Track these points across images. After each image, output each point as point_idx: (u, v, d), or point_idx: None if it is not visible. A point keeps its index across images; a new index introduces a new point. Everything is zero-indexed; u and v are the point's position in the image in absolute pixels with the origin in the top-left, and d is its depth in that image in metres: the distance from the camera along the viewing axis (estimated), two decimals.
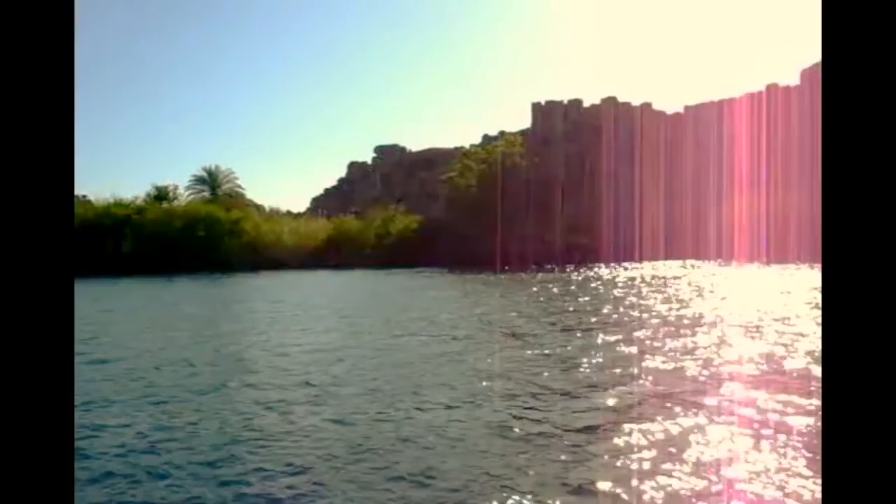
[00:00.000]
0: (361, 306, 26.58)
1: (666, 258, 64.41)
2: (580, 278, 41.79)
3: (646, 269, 52.47)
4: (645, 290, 31.96)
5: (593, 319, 19.80)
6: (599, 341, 15.39)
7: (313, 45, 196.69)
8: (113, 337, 17.69)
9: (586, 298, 27.42)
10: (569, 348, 14.61)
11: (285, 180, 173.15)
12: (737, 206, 64.95)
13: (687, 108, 78.31)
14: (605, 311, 22.25)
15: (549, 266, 55.18)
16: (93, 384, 11.49)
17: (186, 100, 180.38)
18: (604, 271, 49.29)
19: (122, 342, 16.67)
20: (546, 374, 11.79)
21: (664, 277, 41.58)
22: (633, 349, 14.18)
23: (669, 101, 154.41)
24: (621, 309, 22.68)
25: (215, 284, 44.57)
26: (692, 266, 55.85)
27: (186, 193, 76.16)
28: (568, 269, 51.74)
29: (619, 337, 16.02)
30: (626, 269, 53.16)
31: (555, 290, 32.81)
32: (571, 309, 23.16)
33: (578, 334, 16.76)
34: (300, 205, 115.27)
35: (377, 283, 42.93)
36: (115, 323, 21.56)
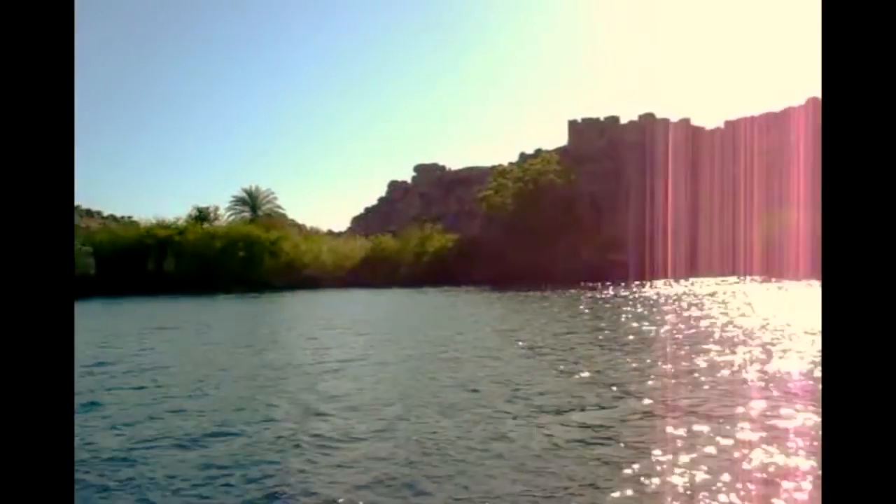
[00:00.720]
0: (399, 326, 26.76)
1: (704, 275, 63.61)
2: (619, 296, 41.52)
3: (685, 286, 51.96)
4: (705, 304, 31.73)
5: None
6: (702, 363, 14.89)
7: (356, 66, 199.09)
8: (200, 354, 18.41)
9: (639, 312, 27.29)
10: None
11: (327, 200, 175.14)
12: (777, 223, 63.96)
13: (727, 123, 77.69)
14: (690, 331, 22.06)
15: (584, 283, 54.83)
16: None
17: (230, 122, 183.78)
18: (649, 289, 48.98)
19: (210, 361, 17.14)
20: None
21: (706, 295, 41.14)
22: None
23: (710, 117, 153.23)
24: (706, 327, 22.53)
25: (254, 303, 45.22)
26: (735, 282, 55.18)
27: (227, 214, 77.65)
28: (605, 287, 51.42)
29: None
30: (670, 285, 52.72)
31: (587, 308, 32.70)
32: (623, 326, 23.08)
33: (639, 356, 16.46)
34: (342, 224, 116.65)
35: (415, 302, 43.18)
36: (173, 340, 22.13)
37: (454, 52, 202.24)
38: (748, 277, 60.15)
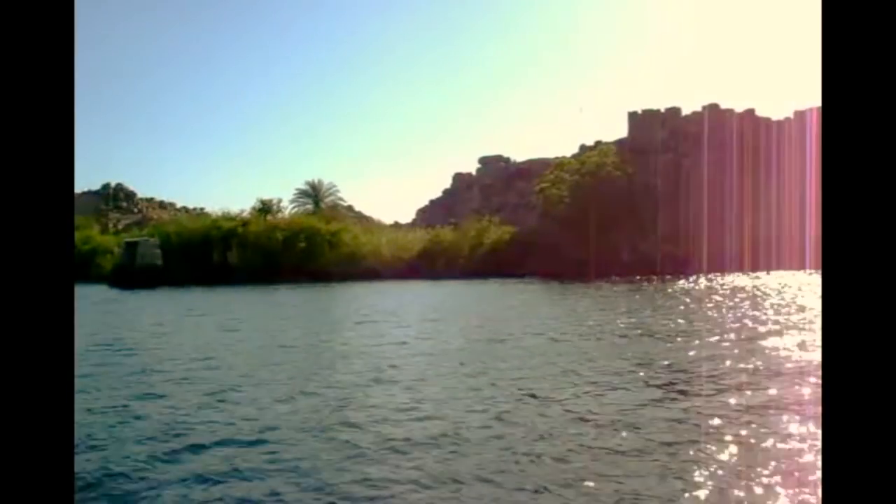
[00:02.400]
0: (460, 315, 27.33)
1: (766, 269, 62.24)
2: (677, 288, 41.21)
3: (745, 279, 51.08)
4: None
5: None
6: None
7: (427, 59, 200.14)
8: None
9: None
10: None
11: (396, 193, 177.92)
12: None
13: (797, 113, 75.58)
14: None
15: (639, 277, 54.38)
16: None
17: (310, 118, 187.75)
18: (719, 280, 48.41)
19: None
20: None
21: (770, 287, 40.50)
22: None
23: (779, 107, 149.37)
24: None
25: (311, 293, 46.40)
26: (809, 276, 54.02)
27: (291, 206, 79.37)
28: (663, 279, 50.95)
29: None
30: (733, 278, 51.94)
31: (647, 299, 32.65)
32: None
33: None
34: (408, 216, 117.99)
35: (474, 292, 43.70)
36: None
37: (519, 44, 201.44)
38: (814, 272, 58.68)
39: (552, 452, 8.12)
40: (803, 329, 19.31)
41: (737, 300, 31.33)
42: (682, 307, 28.05)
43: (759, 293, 35.94)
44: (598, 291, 39.87)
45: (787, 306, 27.39)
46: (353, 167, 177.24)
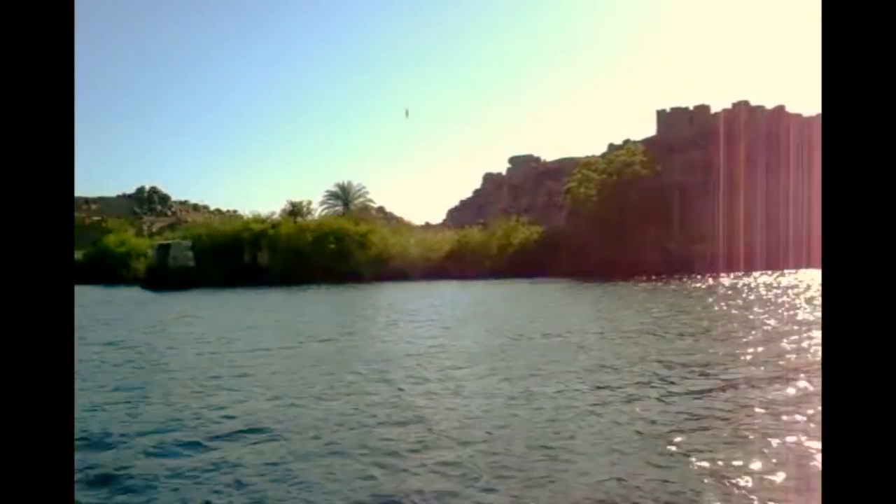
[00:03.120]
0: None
1: (794, 267, 61.74)
2: (706, 287, 41.11)
3: (776, 278, 50.75)
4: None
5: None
6: None
7: (462, 58, 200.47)
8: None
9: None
10: None
11: (427, 194, 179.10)
12: None
13: None
14: None
15: (665, 276, 54.20)
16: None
17: (341, 118, 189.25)
18: (745, 280, 48.18)
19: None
20: None
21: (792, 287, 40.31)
22: None
23: (811, 103, 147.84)
24: None
25: (337, 294, 47.02)
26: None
27: (321, 208, 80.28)
28: (691, 279, 50.75)
29: None
30: (766, 277, 51.61)
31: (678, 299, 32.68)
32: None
33: None
34: (439, 217, 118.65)
35: (501, 293, 44.03)
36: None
37: (554, 42, 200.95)
38: None
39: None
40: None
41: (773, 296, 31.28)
42: (713, 307, 28.03)
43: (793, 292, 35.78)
44: (623, 291, 39.90)
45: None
46: (385, 167, 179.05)
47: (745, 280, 48.96)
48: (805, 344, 16.68)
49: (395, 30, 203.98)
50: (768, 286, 40.69)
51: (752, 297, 32.79)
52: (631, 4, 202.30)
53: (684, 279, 50.77)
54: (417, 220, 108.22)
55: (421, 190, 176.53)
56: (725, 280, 49.03)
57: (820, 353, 14.92)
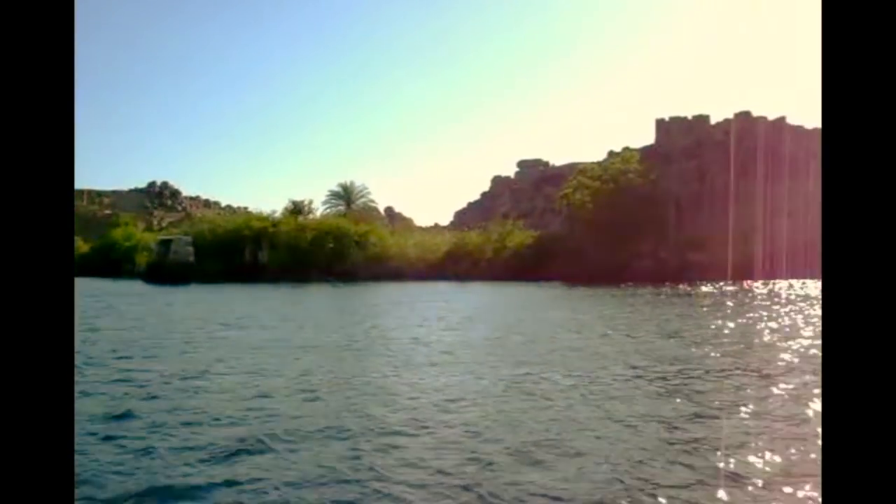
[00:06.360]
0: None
1: (791, 277, 62.36)
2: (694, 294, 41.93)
3: (762, 287, 51.37)
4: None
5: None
6: None
7: (476, 59, 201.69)
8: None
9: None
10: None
11: (438, 193, 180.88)
12: None
13: None
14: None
15: (657, 283, 54.98)
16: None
17: (358, 116, 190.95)
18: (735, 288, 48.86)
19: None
20: None
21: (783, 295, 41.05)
22: None
23: (816, 116, 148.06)
24: None
25: (331, 292, 48.17)
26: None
27: (323, 207, 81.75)
28: (683, 287, 51.40)
29: None
30: (756, 286, 52.25)
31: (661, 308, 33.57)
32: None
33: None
34: (449, 217, 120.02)
35: (493, 295, 45.18)
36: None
37: (562, 43, 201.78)
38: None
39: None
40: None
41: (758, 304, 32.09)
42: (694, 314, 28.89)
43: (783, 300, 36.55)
44: (607, 296, 40.75)
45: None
46: (399, 166, 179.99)
47: (730, 288, 49.61)
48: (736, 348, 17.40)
49: (408, 30, 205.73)
50: (754, 296, 41.40)
51: (730, 304, 33.56)
52: (642, 13, 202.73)
53: (675, 286, 51.40)
54: (427, 221, 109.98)
55: (432, 191, 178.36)
56: (706, 288, 49.69)
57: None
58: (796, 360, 15.36)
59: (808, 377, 12.99)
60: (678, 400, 11.07)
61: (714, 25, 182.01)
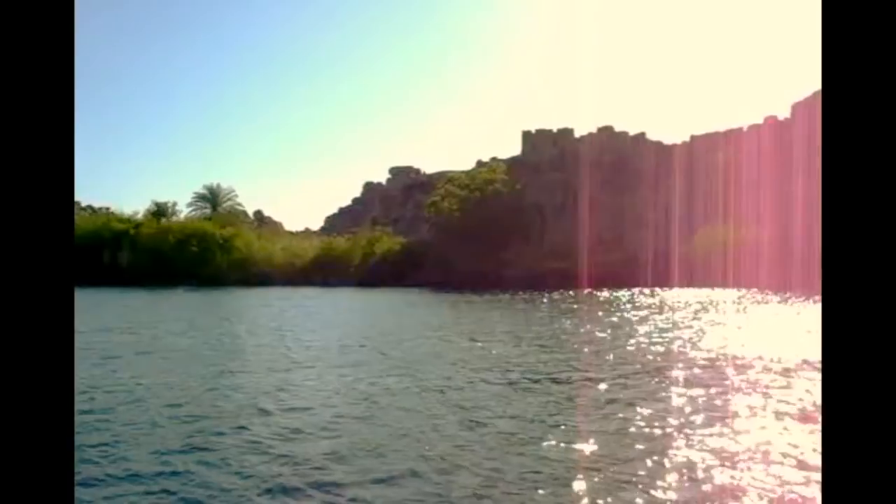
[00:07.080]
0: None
1: (644, 286, 65.42)
2: (547, 301, 43.38)
3: (618, 294, 53.67)
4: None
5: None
6: None
7: (346, 65, 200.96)
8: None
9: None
10: None
11: (309, 199, 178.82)
12: (730, 235, 65.34)
13: (693, 137, 79.54)
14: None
15: (518, 290, 56.64)
16: None
17: (213, 120, 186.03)
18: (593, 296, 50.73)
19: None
20: None
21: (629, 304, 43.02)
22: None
23: (675, 132, 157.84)
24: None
25: (191, 297, 47.05)
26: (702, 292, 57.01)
27: (188, 210, 79.63)
28: (544, 293, 52.96)
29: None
30: (616, 295, 54.43)
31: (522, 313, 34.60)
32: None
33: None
34: (320, 222, 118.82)
35: (364, 300, 45.30)
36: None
37: (435, 53, 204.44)
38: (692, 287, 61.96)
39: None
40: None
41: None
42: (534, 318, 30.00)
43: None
44: (464, 304, 41.72)
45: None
46: (272, 169, 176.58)
47: (582, 295, 51.62)
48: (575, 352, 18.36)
49: (288, 33, 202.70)
50: (608, 301, 43.27)
51: (583, 309, 35.02)
52: (516, 22, 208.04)
53: (535, 294, 52.99)
54: (298, 226, 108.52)
55: (305, 196, 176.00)
56: (556, 296, 51.54)
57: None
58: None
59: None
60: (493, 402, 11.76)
61: (584, 39, 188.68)
